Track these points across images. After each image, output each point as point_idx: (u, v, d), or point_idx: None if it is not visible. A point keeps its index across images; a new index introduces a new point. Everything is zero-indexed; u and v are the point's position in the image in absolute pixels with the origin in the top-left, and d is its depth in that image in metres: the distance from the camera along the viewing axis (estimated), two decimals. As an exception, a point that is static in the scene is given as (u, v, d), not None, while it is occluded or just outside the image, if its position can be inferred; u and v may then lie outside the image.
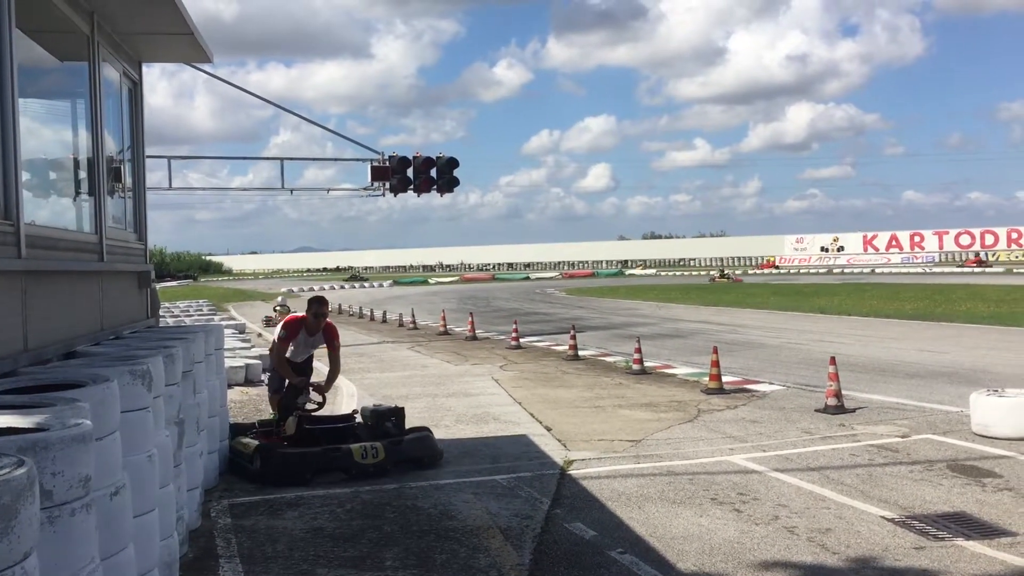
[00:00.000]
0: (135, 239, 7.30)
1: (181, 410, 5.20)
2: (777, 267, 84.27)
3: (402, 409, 7.88)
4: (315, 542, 5.47)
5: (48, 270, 4.80)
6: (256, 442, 7.32)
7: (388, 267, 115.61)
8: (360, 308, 30.96)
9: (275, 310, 30.99)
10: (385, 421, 7.64)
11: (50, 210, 5.87)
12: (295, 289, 58.54)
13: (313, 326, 8.16)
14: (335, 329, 8.35)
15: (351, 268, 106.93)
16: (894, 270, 67.77)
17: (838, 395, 9.62)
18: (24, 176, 4.44)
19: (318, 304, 8.24)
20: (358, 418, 7.98)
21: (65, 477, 2.48)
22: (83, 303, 5.58)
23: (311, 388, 8.09)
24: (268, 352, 9.03)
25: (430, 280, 76.85)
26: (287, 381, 8.11)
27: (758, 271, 78.15)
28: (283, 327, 8.31)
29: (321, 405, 8.09)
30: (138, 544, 3.51)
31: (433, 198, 19.68)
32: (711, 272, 65.64)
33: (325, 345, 8.21)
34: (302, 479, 6.84)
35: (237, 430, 7.97)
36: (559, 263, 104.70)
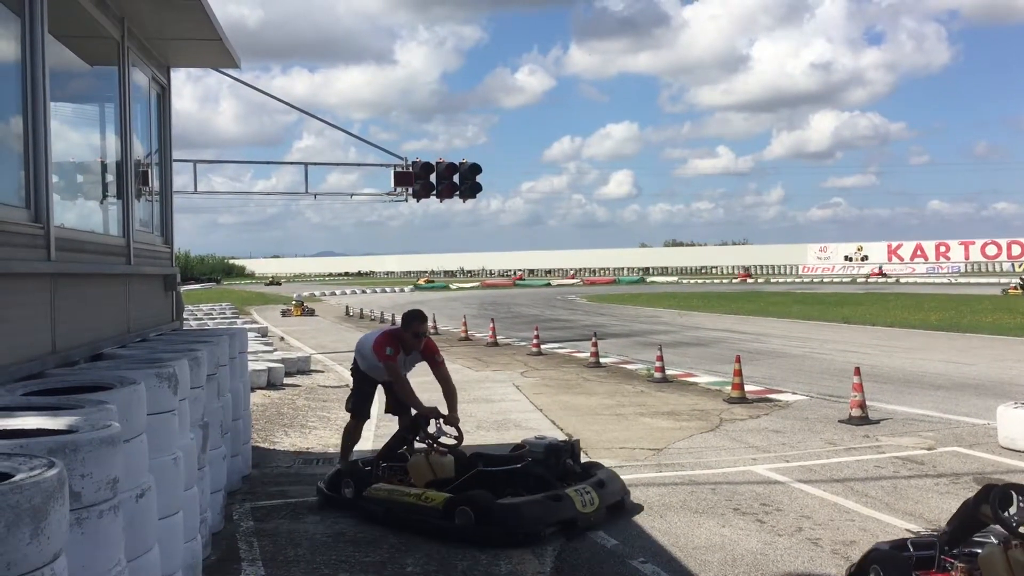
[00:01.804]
0: (161, 242, 7.36)
1: (206, 413, 5.23)
2: (750, 276, 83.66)
3: (578, 441, 6.73)
4: (336, 546, 5.49)
5: (76, 272, 4.85)
6: (445, 494, 5.75)
7: (409, 272, 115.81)
8: (381, 313, 31.04)
9: (293, 303, 33.15)
10: (566, 458, 6.22)
11: (79, 213, 5.93)
12: (316, 293, 58.83)
13: (411, 345, 6.73)
14: (434, 343, 6.97)
15: (372, 272, 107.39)
16: (919, 280, 67.17)
17: (862, 406, 9.53)
18: (54, 179, 4.49)
19: (418, 322, 6.73)
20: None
21: (94, 479, 2.50)
22: (110, 305, 5.63)
23: (441, 419, 6.43)
24: (351, 373, 7.29)
25: (451, 285, 76.99)
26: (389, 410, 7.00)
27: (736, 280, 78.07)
28: (388, 342, 6.69)
29: (460, 440, 6.41)
30: (163, 546, 3.53)
31: (455, 204, 19.79)
32: (1011, 281, 48.63)
33: (426, 363, 6.79)
34: (536, 536, 5.46)
35: (341, 474, 6.51)
36: (580, 270, 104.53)
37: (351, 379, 7.39)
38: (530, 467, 6.04)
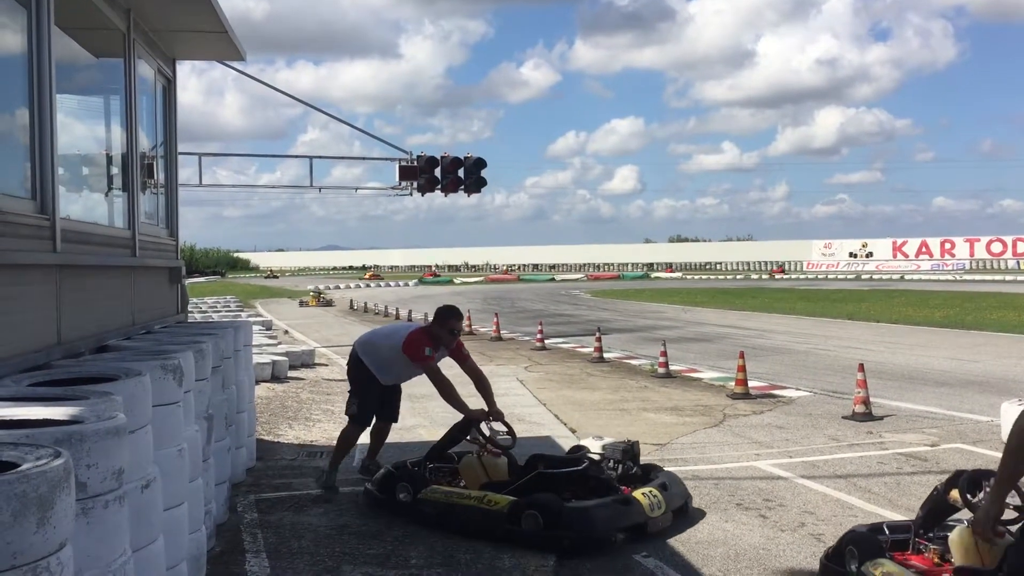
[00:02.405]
0: (167, 235, 7.37)
1: (210, 405, 5.25)
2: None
3: (637, 443, 6.36)
4: (340, 539, 5.50)
5: (82, 264, 4.86)
6: (509, 498, 5.48)
7: (413, 266, 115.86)
8: (385, 307, 31.06)
9: (310, 294, 34.64)
10: (627, 460, 6.06)
11: (84, 205, 5.95)
12: (321, 287, 58.81)
13: (447, 343, 6.47)
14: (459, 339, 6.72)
15: (376, 266, 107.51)
16: (924, 277, 67.06)
17: (866, 402, 9.53)
18: (59, 171, 4.50)
19: (455, 318, 6.50)
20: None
21: (100, 469, 2.51)
22: (115, 297, 5.65)
23: (490, 418, 6.24)
24: (349, 372, 6.96)
25: (455, 280, 77.03)
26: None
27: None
28: (425, 340, 6.35)
29: (513, 439, 6.24)
30: (168, 537, 3.55)
31: (459, 198, 19.72)
32: None
33: (452, 358, 6.60)
34: (608, 541, 5.20)
35: (394, 477, 6.11)
36: (584, 265, 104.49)
37: (355, 381, 6.85)
38: (591, 469, 5.82)
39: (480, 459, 5.99)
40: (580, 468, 5.76)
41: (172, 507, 3.83)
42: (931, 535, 4.43)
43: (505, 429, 6.21)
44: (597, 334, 16.60)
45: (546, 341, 18.19)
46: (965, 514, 4.08)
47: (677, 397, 11.31)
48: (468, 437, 6.13)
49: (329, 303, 36.89)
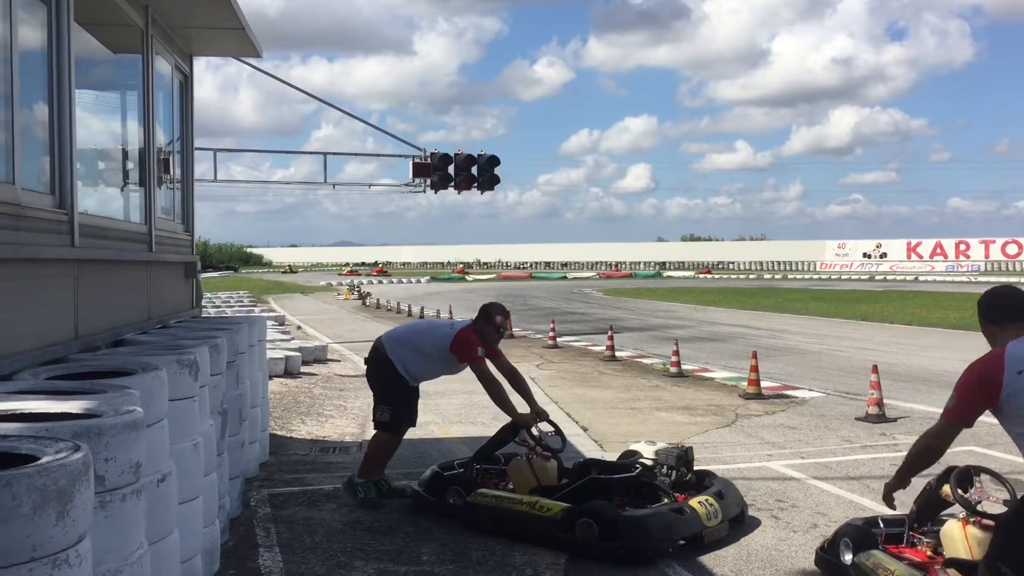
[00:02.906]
0: (182, 230, 7.41)
1: (225, 400, 5.28)
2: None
3: (691, 449, 6.07)
4: (353, 534, 5.52)
5: (99, 259, 4.90)
6: (562, 504, 5.29)
7: (426, 263, 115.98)
8: (398, 303, 31.12)
9: (347, 287, 36.65)
10: (680, 466, 5.84)
11: (101, 200, 5.99)
12: (333, 283, 58.91)
13: (494, 341, 6.26)
14: None
15: (389, 263, 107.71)
16: (938, 278, 66.68)
17: (880, 403, 9.49)
18: (77, 166, 4.54)
19: (503, 315, 6.24)
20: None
21: (117, 463, 2.53)
22: (132, 292, 5.68)
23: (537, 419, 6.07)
24: (376, 375, 6.35)
25: (467, 277, 77.06)
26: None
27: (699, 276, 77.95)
28: (476, 339, 6.08)
29: (563, 441, 6.21)
30: (182, 530, 3.58)
31: (472, 195, 19.75)
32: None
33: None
34: (663, 549, 5.05)
35: (443, 478, 6.01)
36: (596, 263, 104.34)
37: (380, 383, 6.33)
38: (644, 475, 5.65)
39: (530, 462, 5.82)
40: (633, 474, 5.60)
41: (187, 501, 3.86)
42: (924, 529, 4.54)
43: (552, 429, 6.09)
44: (609, 332, 16.59)
45: (558, 339, 18.18)
46: (958, 509, 4.21)
47: (689, 396, 11.29)
48: (517, 439, 5.97)
49: (365, 296, 37.96)
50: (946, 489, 4.31)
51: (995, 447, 8.08)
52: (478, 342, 6.06)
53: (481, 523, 5.55)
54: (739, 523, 5.60)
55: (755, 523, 5.73)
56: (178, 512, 3.51)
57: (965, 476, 4.26)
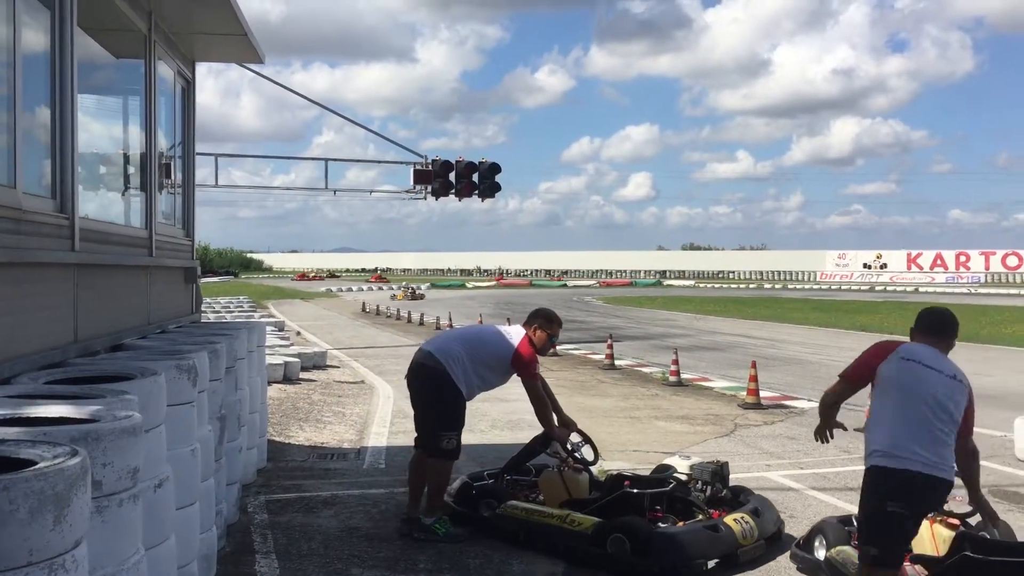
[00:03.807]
0: (183, 235, 7.41)
1: (223, 406, 5.27)
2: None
3: (727, 464, 5.91)
4: (350, 541, 5.52)
5: (99, 263, 4.90)
6: (593, 519, 5.16)
7: (426, 270, 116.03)
8: (397, 310, 31.11)
9: (400, 289, 39.29)
10: (715, 481, 5.67)
11: (102, 204, 6.00)
12: (334, 289, 58.94)
13: (545, 352, 5.95)
14: None
15: (389, 269, 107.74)
16: (938, 289, 66.68)
17: (878, 415, 9.47)
18: (79, 170, 4.54)
19: (557, 324, 5.88)
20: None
21: (115, 468, 2.53)
22: (132, 297, 5.69)
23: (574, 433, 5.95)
24: (430, 392, 5.68)
25: (467, 284, 77.06)
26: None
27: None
28: (534, 350, 5.74)
29: (596, 455, 6.00)
30: (179, 536, 3.57)
31: (472, 202, 19.77)
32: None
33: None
34: (698, 568, 4.90)
35: (473, 489, 5.92)
36: (596, 271, 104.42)
37: (441, 406, 5.62)
38: (678, 490, 5.53)
39: (561, 474, 5.70)
40: (667, 489, 5.47)
41: (184, 506, 3.85)
42: None
43: (581, 440, 5.92)
44: (609, 341, 16.59)
45: (557, 347, 18.17)
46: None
47: (688, 406, 11.29)
48: (549, 451, 5.87)
49: (421, 297, 41.71)
50: None
51: (993, 459, 8.08)
52: (535, 350, 5.73)
53: (512, 535, 5.41)
54: (776, 541, 5.42)
55: (791, 540, 5.43)
56: (175, 517, 3.50)
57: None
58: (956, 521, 4.47)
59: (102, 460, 2.48)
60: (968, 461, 4.12)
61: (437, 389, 5.57)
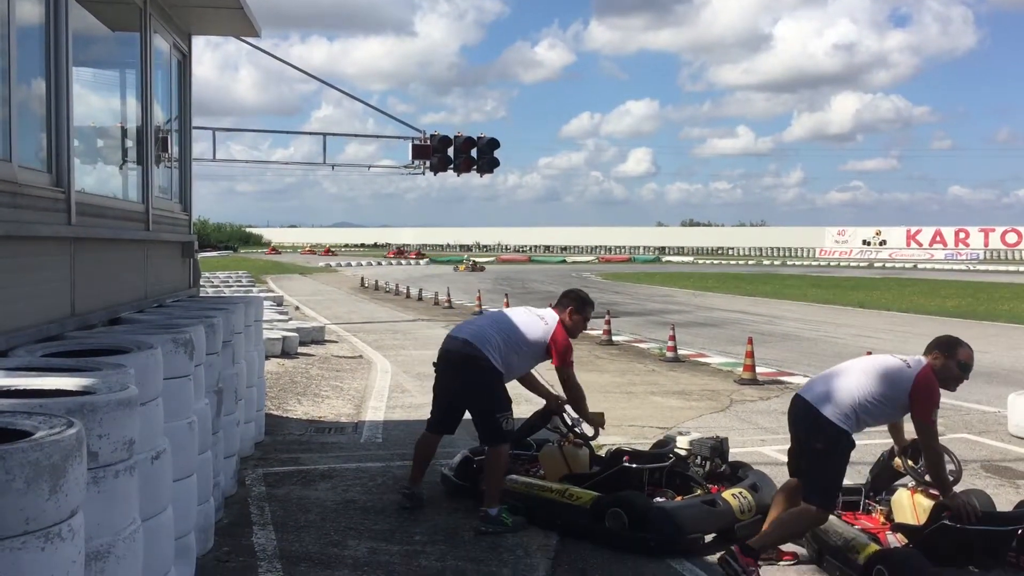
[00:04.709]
0: (180, 209, 7.41)
1: (220, 379, 5.31)
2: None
3: (727, 439, 5.91)
4: (347, 513, 5.56)
5: (96, 237, 4.91)
6: (592, 493, 5.18)
7: (425, 245, 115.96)
8: (396, 285, 31.14)
9: (464, 260, 41.02)
10: (715, 457, 5.67)
11: (99, 178, 5.99)
12: (332, 264, 58.88)
13: (576, 335, 5.76)
14: None
15: (389, 244, 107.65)
16: (937, 266, 66.70)
17: (873, 391, 9.52)
18: (75, 144, 4.54)
19: (590, 307, 5.74)
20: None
21: (111, 440, 2.56)
22: (128, 271, 5.70)
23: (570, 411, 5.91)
24: (483, 382, 5.44)
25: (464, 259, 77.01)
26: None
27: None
28: (568, 338, 5.60)
29: (597, 431, 5.91)
30: (176, 507, 3.61)
31: (471, 178, 19.80)
32: None
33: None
34: (694, 541, 4.95)
35: (474, 463, 5.92)
36: (596, 247, 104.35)
37: (488, 392, 5.44)
38: (678, 465, 5.54)
39: (561, 449, 5.69)
40: (666, 464, 5.47)
41: (181, 478, 3.89)
42: (879, 498, 5.04)
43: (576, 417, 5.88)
44: (606, 317, 16.61)
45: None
46: (909, 479, 4.82)
47: (684, 381, 11.34)
48: (550, 425, 5.87)
49: (482, 269, 43.11)
50: (898, 461, 4.91)
51: (986, 435, 8.14)
52: (568, 338, 5.58)
53: (512, 509, 5.37)
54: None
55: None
56: (172, 489, 3.53)
57: (915, 449, 4.76)
58: (935, 491, 4.58)
59: (98, 432, 2.51)
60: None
61: (481, 374, 5.41)
